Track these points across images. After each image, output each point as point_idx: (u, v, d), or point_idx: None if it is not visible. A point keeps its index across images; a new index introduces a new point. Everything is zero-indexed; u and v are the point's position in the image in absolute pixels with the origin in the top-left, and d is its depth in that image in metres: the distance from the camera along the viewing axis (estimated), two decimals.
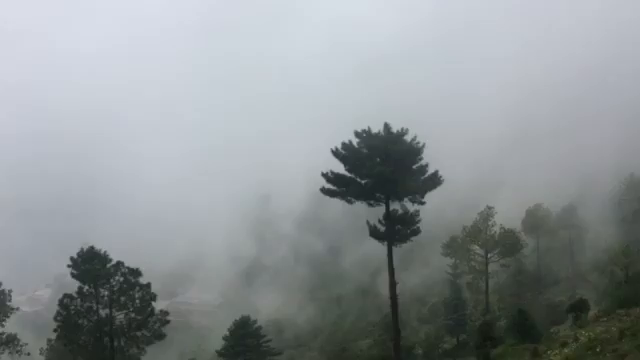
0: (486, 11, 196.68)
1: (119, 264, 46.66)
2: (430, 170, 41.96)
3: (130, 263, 46.27)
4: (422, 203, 42.33)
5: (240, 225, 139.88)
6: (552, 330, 49.46)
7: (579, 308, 51.44)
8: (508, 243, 74.69)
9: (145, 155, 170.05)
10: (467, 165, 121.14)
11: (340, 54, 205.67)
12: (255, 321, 57.75)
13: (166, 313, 49.52)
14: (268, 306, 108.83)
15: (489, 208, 75.60)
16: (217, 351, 57.58)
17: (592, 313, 43.78)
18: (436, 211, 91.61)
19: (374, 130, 41.26)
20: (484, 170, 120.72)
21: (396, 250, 43.56)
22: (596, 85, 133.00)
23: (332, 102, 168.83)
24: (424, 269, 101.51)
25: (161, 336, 48.80)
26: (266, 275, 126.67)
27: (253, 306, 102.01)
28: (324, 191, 42.18)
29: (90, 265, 45.73)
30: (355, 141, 41.27)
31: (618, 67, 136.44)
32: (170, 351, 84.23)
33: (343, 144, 41.52)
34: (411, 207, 42.18)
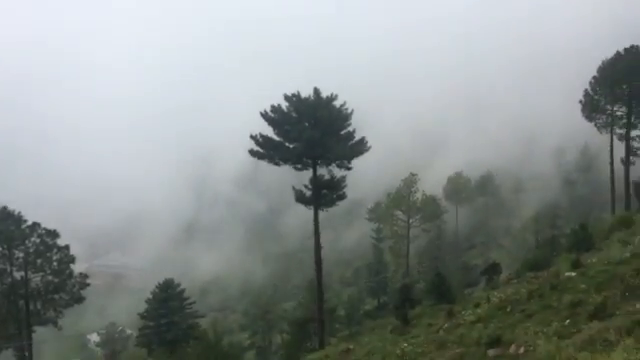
0: None
1: (35, 225, 44.94)
2: (357, 136, 42.52)
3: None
4: (349, 168, 42.98)
5: (179, 186, 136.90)
6: (467, 292, 52.06)
7: (492, 271, 54.30)
8: (429, 209, 77.41)
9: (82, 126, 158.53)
10: (410, 127, 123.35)
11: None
12: (179, 284, 57.17)
13: (85, 276, 48.26)
14: (202, 268, 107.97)
15: (412, 175, 77.72)
16: (139, 314, 56.77)
17: (504, 276, 46.12)
18: (375, 175, 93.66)
19: (304, 94, 41.11)
20: (427, 132, 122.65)
21: (327, 214, 44.30)
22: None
23: (268, 71, 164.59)
24: (351, 233, 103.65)
25: (80, 299, 47.66)
26: (203, 236, 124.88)
27: (188, 267, 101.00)
28: (252, 153, 41.95)
29: (3, 226, 43.77)
30: (285, 105, 41.06)
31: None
32: (89, 314, 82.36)
33: (272, 107, 41.24)
34: (338, 172, 42.74)
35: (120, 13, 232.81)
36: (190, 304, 57.35)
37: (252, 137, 41.25)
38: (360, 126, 43.40)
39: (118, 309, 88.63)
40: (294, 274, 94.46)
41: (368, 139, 42.68)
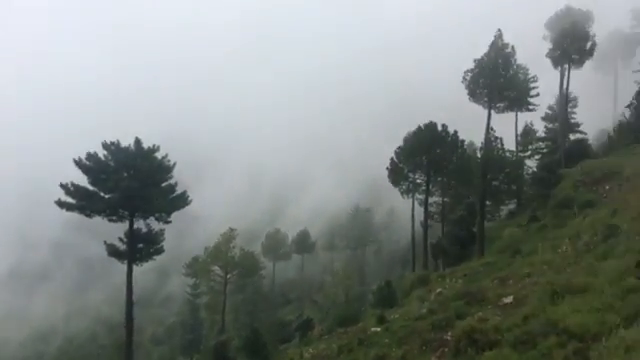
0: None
1: None
2: (179, 190, 41.98)
3: None
4: (168, 222, 42.00)
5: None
6: (282, 347, 52.74)
7: (305, 327, 55.89)
8: (247, 264, 77.76)
9: None
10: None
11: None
12: None
13: None
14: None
15: (231, 230, 77.87)
16: None
17: (317, 331, 47.71)
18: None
19: (124, 144, 39.77)
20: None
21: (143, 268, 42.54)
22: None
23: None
24: (166, 288, 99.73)
25: None
26: (27, 281, 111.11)
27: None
28: (60, 204, 38.99)
29: None
30: (102, 153, 39.26)
31: None
32: None
33: (88, 154, 39.21)
34: (156, 225, 41.54)
35: None
36: None
37: (62, 186, 38.56)
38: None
39: None
40: (101, 332, 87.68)
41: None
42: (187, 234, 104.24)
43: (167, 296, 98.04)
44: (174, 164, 41.46)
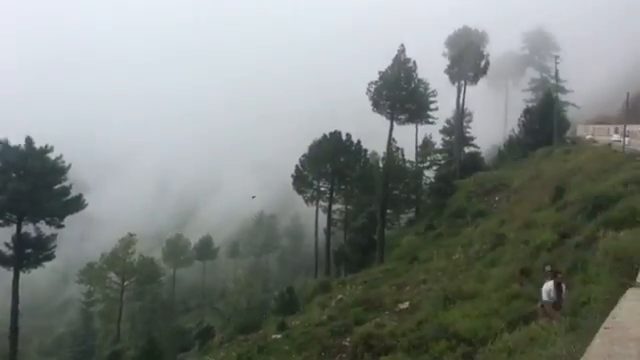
0: None
1: None
2: (74, 193, 39.97)
3: None
4: (61, 226, 39.85)
5: None
6: (180, 356, 51.46)
7: (205, 335, 54.91)
8: (146, 271, 75.19)
9: None
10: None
11: None
12: None
13: None
14: None
15: (130, 235, 75.05)
16: None
17: (217, 339, 47.01)
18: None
19: (14, 143, 37.35)
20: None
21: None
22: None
23: None
24: (63, 295, 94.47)
25: None
26: None
27: None
28: None
29: None
30: None
31: None
32: None
33: None
34: (47, 230, 39.26)
35: None
36: None
37: None
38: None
39: None
40: None
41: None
42: (90, 238, 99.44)
43: (64, 304, 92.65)
44: (69, 166, 39.46)
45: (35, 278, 44.70)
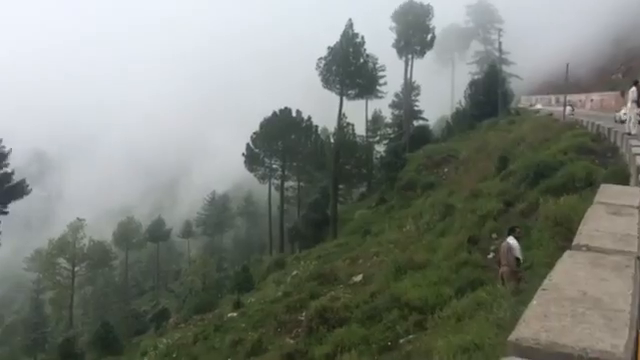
0: None
1: None
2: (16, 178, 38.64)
3: None
4: (4, 213, 38.54)
5: None
6: (136, 340, 50.98)
7: (161, 317, 54.57)
8: (98, 256, 73.66)
9: None
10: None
11: None
12: None
13: None
14: None
15: (79, 220, 73.19)
16: None
17: (172, 320, 46.81)
18: None
19: None
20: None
21: None
22: None
23: None
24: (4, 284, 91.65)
25: None
26: None
27: None
28: None
29: None
30: None
31: None
32: None
33: None
34: None
35: None
36: None
37: None
38: None
39: None
40: None
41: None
42: (54, 221, 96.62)
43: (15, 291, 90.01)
44: (9, 150, 38.09)
45: None
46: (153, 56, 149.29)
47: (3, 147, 37.76)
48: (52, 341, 63.49)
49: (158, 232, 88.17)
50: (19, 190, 39.09)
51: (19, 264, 77.02)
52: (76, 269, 71.71)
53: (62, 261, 71.77)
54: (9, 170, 38.60)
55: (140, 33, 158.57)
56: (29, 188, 39.60)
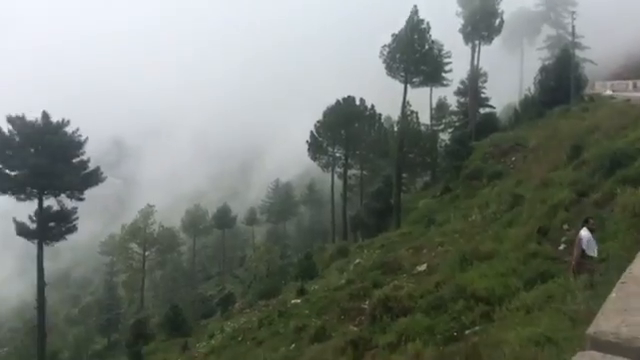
0: None
1: None
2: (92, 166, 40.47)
3: None
4: (81, 199, 40.46)
5: None
6: (203, 323, 52.62)
7: (227, 301, 56.00)
8: (166, 241, 76.40)
9: None
10: None
11: None
12: None
13: None
14: None
15: (150, 206, 76.02)
16: None
17: (238, 305, 47.92)
18: None
19: (30, 118, 37.72)
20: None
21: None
22: None
23: None
24: (78, 268, 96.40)
25: None
26: None
27: None
28: None
29: None
30: (7, 128, 37.07)
31: None
32: None
33: None
34: (69, 203, 39.92)
35: None
36: None
37: None
38: None
39: None
40: (9, 317, 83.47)
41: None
42: (130, 207, 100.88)
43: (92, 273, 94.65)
44: (86, 139, 39.81)
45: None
46: (224, 41, 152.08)
47: (80, 135, 39.55)
48: (124, 322, 66.47)
49: (224, 219, 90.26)
50: (94, 177, 40.84)
51: (96, 248, 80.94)
52: (147, 253, 74.72)
53: (134, 245, 74.97)
54: (85, 158, 40.37)
55: (211, 19, 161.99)
56: (104, 175, 41.32)
